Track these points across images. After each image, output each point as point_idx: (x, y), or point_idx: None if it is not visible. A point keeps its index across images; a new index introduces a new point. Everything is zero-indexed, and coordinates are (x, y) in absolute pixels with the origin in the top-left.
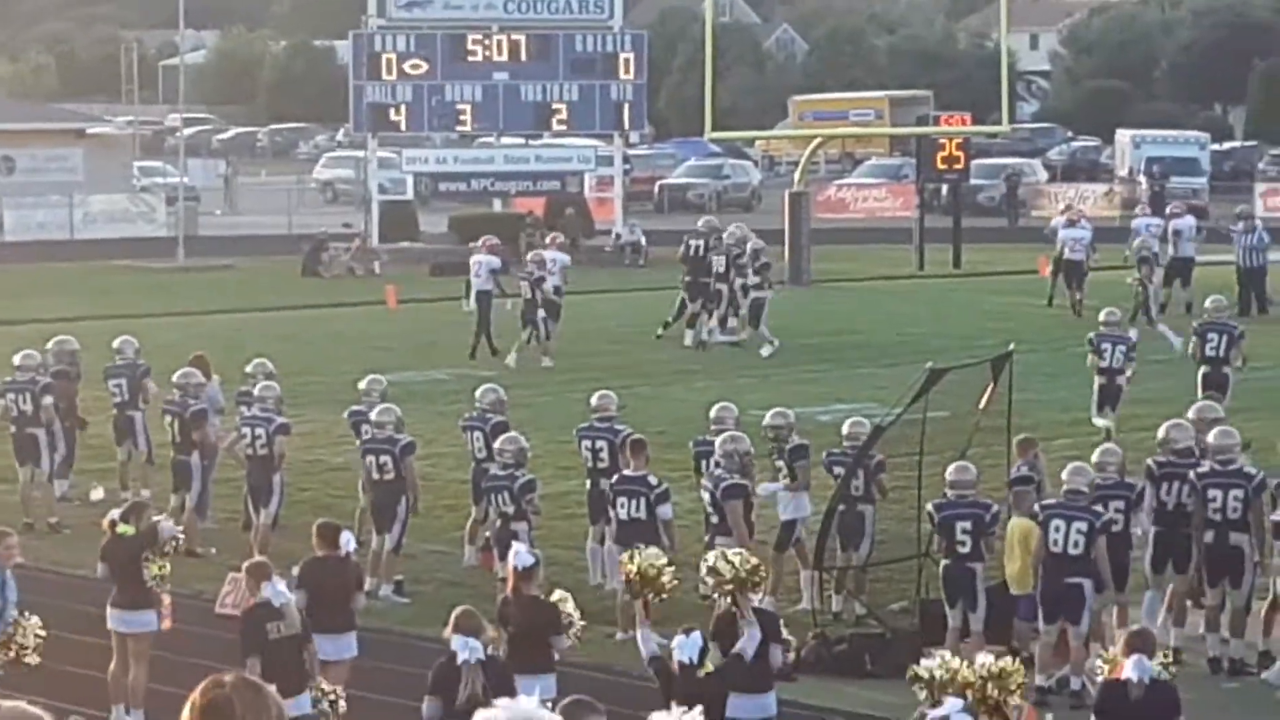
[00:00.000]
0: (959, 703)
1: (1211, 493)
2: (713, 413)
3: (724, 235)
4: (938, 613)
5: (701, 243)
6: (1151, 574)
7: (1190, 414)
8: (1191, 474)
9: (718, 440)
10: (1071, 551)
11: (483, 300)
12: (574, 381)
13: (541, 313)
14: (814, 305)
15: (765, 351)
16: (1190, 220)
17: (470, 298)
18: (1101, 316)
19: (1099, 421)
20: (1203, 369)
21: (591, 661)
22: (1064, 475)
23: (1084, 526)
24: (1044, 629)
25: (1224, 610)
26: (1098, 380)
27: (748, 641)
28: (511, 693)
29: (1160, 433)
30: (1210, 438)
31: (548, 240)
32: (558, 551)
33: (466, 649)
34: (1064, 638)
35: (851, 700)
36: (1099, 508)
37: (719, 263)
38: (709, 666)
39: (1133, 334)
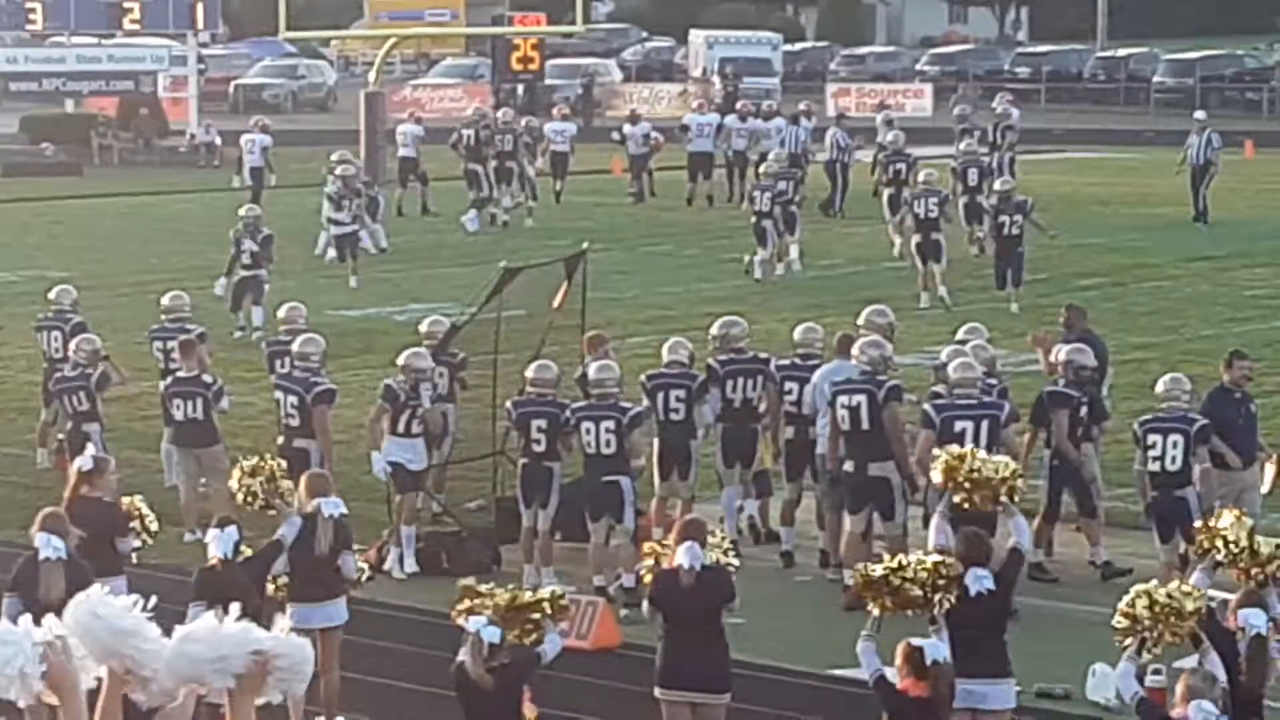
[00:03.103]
0: (482, 619)
1: (789, 385)
2: (282, 313)
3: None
4: (513, 510)
5: (472, 132)
6: (724, 469)
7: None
8: (772, 366)
9: (296, 342)
10: (605, 451)
11: (255, 176)
12: (149, 283)
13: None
14: (390, 205)
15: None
16: (714, 118)
17: (244, 174)
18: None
19: None
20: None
21: (165, 563)
22: (590, 373)
23: (611, 425)
24: (592, 527)
25: (799, 504)
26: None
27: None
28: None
29: (715, 329)
30: (796, 333)
31: (253, 123)
32: (133, 453)
33: (49, 546)
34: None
35: (429, 598)
36: (624, 403)
37: (505, 141)
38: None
39: None
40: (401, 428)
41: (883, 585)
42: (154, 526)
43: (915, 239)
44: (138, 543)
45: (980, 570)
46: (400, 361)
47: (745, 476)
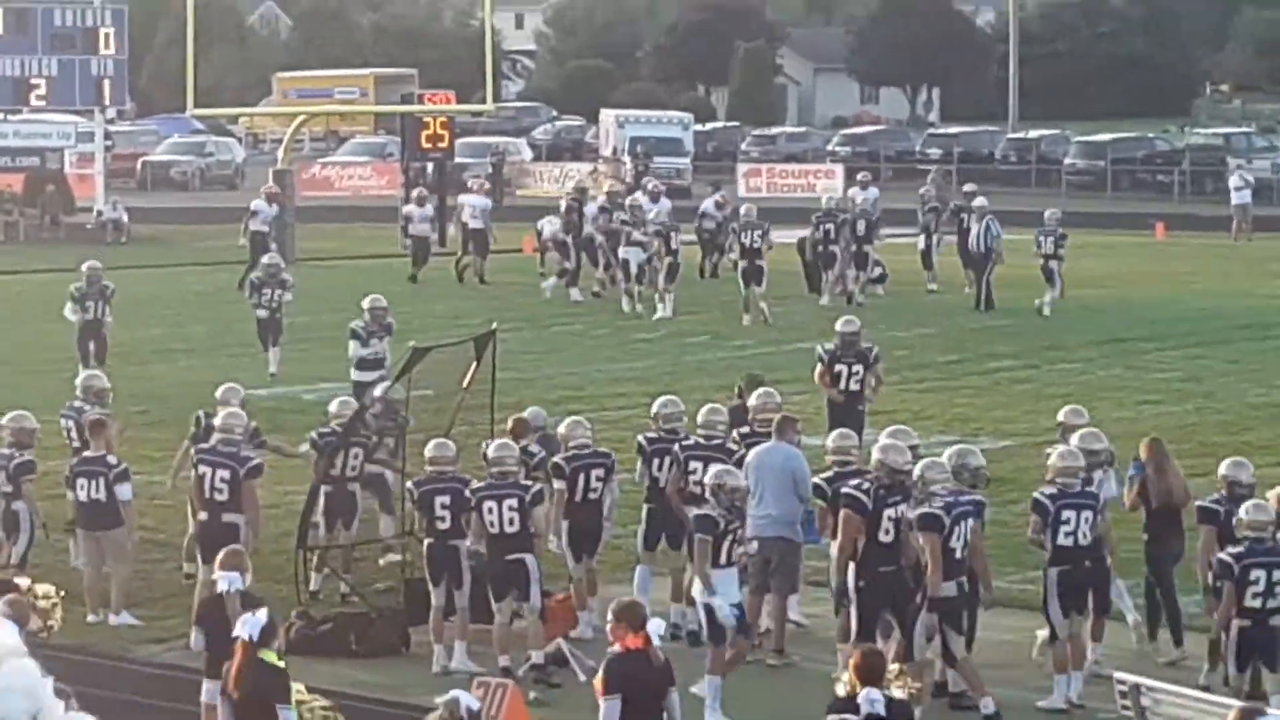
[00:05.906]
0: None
1: (693, 465)
2: (219, 394)
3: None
4: (422, 591)
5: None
6: (642, 550)
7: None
8: (676, 447)
9: (220, 415)
10: (508, 530)
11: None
12: (56, 361)
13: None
14: (299, 284)
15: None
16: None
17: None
18: None
19: None
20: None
21: (67, 642)
22: (489, 453)
23: (514, 503)
24: (496, 607)
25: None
26: None
27: None
28: None
29: (654, 407)
30: (700, 414)
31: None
32: (43, 533)
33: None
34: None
35: (337, 680)
36: (524, 481)
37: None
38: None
39: None
40: (724, 558)
41: None
42: (58, 615)
43: (741, 264)
44: (41, 623)
45: (874, 693)
46: (711, 481)
47: (678, 560)
